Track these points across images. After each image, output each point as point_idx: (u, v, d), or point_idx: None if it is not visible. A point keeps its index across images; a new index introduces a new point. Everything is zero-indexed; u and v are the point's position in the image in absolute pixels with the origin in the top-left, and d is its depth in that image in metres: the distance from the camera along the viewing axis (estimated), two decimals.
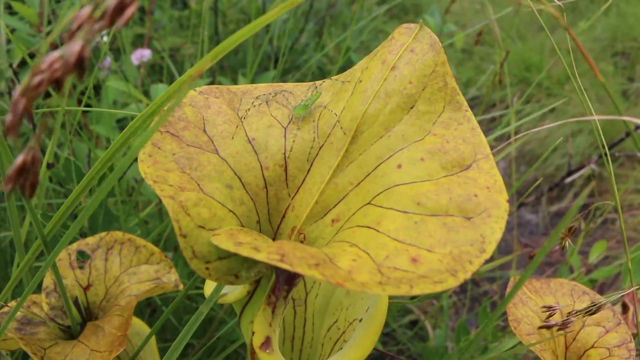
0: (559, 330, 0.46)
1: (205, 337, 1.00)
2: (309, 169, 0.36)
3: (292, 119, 0.37)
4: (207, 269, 0.30)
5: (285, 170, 0.36)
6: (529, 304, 0.55)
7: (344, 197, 0.35)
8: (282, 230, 0.36)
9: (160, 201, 0.89)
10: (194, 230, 0.29)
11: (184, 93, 0.27)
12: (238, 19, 1.91)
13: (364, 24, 1.67)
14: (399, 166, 0.33)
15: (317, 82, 0.39)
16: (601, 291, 1.51)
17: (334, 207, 0.35)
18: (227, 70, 1.77)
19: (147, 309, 0.94)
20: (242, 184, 0.34)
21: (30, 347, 0.48)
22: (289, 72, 1.67)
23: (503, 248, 2.07)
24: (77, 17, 0.22)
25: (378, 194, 0.32)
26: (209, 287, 0.38)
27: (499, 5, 3.08)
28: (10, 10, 1.24)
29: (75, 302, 0.58)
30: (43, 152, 0.85)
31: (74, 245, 0.60)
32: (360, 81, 0.36)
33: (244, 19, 1.88)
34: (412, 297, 1.64)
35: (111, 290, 0.59)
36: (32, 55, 1.23)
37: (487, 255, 0.27)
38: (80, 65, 0.20)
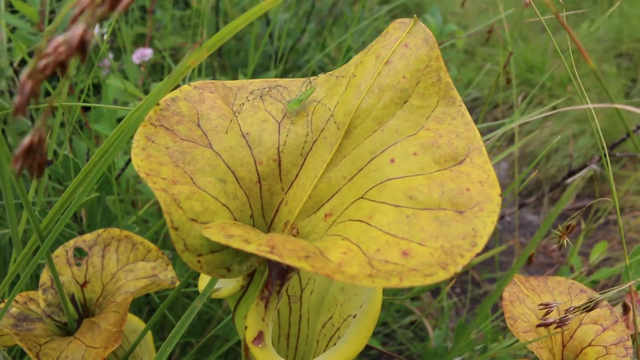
0: (556, 328, 0.46)
1: (203, 336, 1.00)
2: (303, 164, 0.36)
3: (286, 113, 0.37)
4: (199, 261, 0.30)
5: (279, 164, 0.36)
6: (526, 302, 0.55)
7: (337, 192, 0.35)
8: (276, 224, 0.36)
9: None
10: (186, 224, 0.29)
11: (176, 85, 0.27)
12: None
13: (365, 24, 1.67)
14: (392, 160, 0.33)
15: (312, 77, 0.39)
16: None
17: (327, 201, 0.35)
18: (229, 70, 1.77)
19: (145, 307, 0.95)
20: (236, 178, 0.34)
21: (26, 342, 0.49)
22: (290, 72, 1.68)
23: (504, 249, 2.06)
24: (78, 3, 0.22)
25: (371, 188, 0.32)
26: (203, 282, 0.38)
27: (504, 6, 3.08)
28: (11, 9, 1.24)
29: (72, 298, 0.58)
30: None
31: (71, 242, 0.60)
32: (354, 76, 0.36)
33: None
34: (412, 298, 1.64)
35: (108, 287, 0.59)
36: (32, 54, 1.23)
37: (478, 249, 0.27)
38: (83, 48, 0.21)
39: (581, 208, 1.89)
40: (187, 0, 2.05)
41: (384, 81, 0.35)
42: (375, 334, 1.45)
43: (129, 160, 0.78)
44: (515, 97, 1.23)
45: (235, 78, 1.62)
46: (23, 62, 1.28)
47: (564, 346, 0.57)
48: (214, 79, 1.38)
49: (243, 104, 0.37)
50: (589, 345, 0.56)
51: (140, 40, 1.80)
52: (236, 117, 0.36)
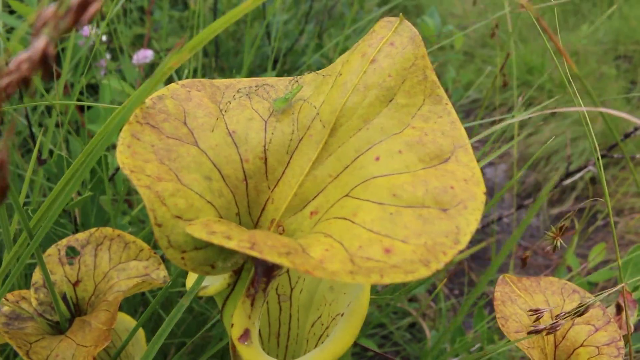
0: (547, 334, 0.46)
1: (199, 336, 1.00)
2: (289, 162, 0.36)
3: (272, 112, 0.37)
4: (182, 258, 0.30)
5: (265, 162, 0.36)
6: (518, 302, 0.55)
7: (322, 190, 0.35)
8: (262, 222, 0.36)
9: None
10: (170, 220, 0.29)
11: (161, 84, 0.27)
12: (238, 20, 1.91)
13: (363, 25, 1.68)
14: (377, 158, 0.33)
15: (299, 76, 0.39)
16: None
17: (312, 199, 0.35)
18: (227, 72, 1.77)
19: (140, 307, 0.95)
20: (222, 176, 0.34)
21: (16, 340, 0.49)
22: (288, 73, 1.68)
23: (503, 252, 2.06)
24: (40, 16, 0.22)
25: (356, 186, 0.32)
26: (191, 280, 0.38)
27: (501, 8, 3.07)
28: (9, 9, 1.24)
29: (64, 297, 0.58)
30: (39, 150, 0.85)
31: (64, 241, 0.60)
32: (340, 74, 0.36)
33: (243, 20, 1.89)
34: (410, 300, 1.64)
35: (100, 286, 0.59)
36: None
37: (461, 247, 0.27)
38: (46, 62, 0.20)
39: (582, 210, 1.90)
40: (186, 1, 2.05)
41: (369, 79, 0.35)
42: (371, 335, 1.45)
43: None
44: (515, 98, 1.23)
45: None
46: None
47: (556, 346, 0.57)
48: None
49: (230, 102, 0.37)
50: (581, 345, 0.56)
51: (138, 41, 1.81)
52: (223, 115, 0.36)
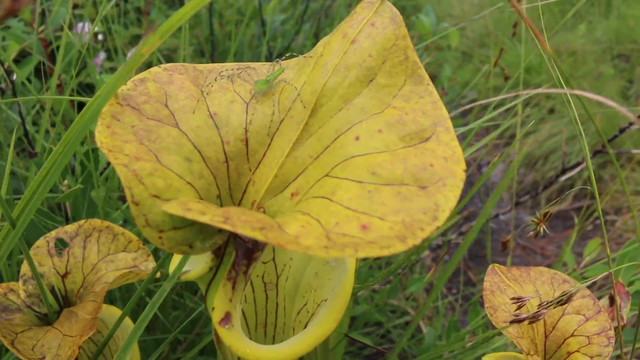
0: (529, 323, 0.46)
1: (193, 333, 1.00)
2: (270, 143, 0.36)
3: (254, 94, 0.37)
4: (160, 237, 0.29)
5: (246, 144, 0.36)
6: (507, 292, 0.55)
7: (303, 171, 0.34)
8: (244, 205, 0.36)
9: None
10: (147, 199, 0.29)
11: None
12: (235, 20, 1.91)
13: None
14: (357, 138, 0.32)
15: (283, 60, 0.39)
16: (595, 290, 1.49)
17: (293, 180, 0.35)
18: None
19: (136, 307, 0.94)
20: (202, 157, 0.34)
21: (1, 330, 0.48)
22: None
23: (501, 251, 2.06)
24: None
25: (335, 166, 0.32)
26: (174, 265, 0.38)
27: (498, 9, 3.08)
28: None
29: (52, 289, 0.58)
30: (32, 144, 0.85)
31: (53, 233, 0.60)
32: (322, 55, 0.36)
33: (241, 19, 1.89)
34: (407, 298, 1.63)
35: (89, 277, 0.59)
36: (25, 53, 1.23)
37: (439, 223, 0.27)
38: None
39: (581, 208, 1.88)
40: (183, 1, 2.05)
41: (350, 60, 0.35)
42: (368, 334, 1.45)
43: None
44: (508, 91, 1.23)
45: None
46: (15, 62, 1.28)
47: (546, 337, 0.56)
48: None
49: (212, 85, 0.36)
50: (572, 335, 0.55)
51: (135, 41, 1.81)
52: (205, 97, 0.36)
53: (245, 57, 1.66)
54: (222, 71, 0.38)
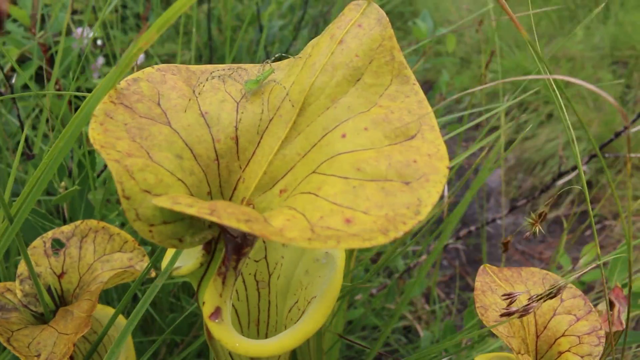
0: (520, 317, 0.46)
1: (189, 335, 1.00)
2: (259, 142, 0.37)
3: (244, 94, 0.38)
4: (150, 231, 0.30)
5: (237, 142, 0.37)
6: (498, 292, 0.55)
7: (291, 168, 0.35)
8: (234, 201, 0.37)
9: None
10: (138, 194, 0.30)
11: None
12: (234, 26, 1.93)
13: None
14: (343, 136, 0.33)
15: (275, 62, 0.40)
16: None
17: (282, 178, 0.36)
18: None
19: (131, 307, 0.95)
20: (193, 155, 0.35)
21: None
22: None
23: (500, 256, 2.06)
24: None
25: (322, 163, 0.33)
26: (166, 262, 0.39)
27: (499, 14, 3.10)
28: None
29: (49, 289, 0.59)
30: (29, 146, 0.86)
31: (49, 233, 0.60)
32: (310, 56, 0.37)
33: (239, 25, 1.90)
34: (407, 302, 1.63)
35: (85, 277, 0.59)
36: (25, 57, 1.24)
37: (421, 217, 0.28)
38: None
39: (580, 213, 1.88)
40: None
41: (337, 60, 0.36)
42: (364, 338, 1.45)
43: None
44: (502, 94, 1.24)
45: None
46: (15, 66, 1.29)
47: (537, 337, 0.57)
48: None
49: (204, 85, 0.37)
50: (563, 335, 0.56)
51: None
52: (196, 97, 0.37)
53: (243, 62, 1.67)
54: (213, 72, 0.38)
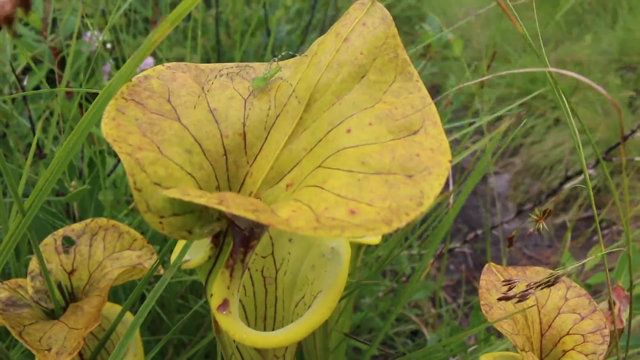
0: (518, 302, 0.47)
1: (196, 335, 1.01)
2: (267, 137, 0.38)
3: (252, 91, 0.39)
4: (160, 222, 0.31)
5: (244, 138, 0.38)
6: (503, 290, 0.56)
7: (298, 163, 0.36)
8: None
9: None
10: (149, 186, 0.31)
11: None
12: (242, 30, 1.94)
13: None
14: (349, 131, 0.34)
15: (282, 61, 0.41)
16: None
17: (288, 172, 0.36)
18: None
19: (140, 304, 0.96)
20: (202, 150, 0.36)
21: (9, 321, 0.50)
22: None
23: (507, 260, 2.06)
24: None
25: (328, 157, 0.34)
26: (175, 255, 0.40)
27: (505, 20, 3.10)
28: None
29: (59, 286, 0.60)
30: (41, 149, 0.88)
31: (60, 231, 0.61)
32: (316, 54, 0.38)
33: (247, 29, 1.92)
34: (412, 306, 1.62)
35: (94, 274, 0.60)
36: (36, 61, 1.26)
37: (424, 209, 0.28)
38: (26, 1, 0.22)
39: (587, 218, 1.88)
40: (191, 13, 2.09)
41: (342, 57, 0.36)
42: (370, 341, 1.45)
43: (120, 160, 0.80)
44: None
45: None
46: (26, 70, 1.31)
47: (542, 335, 0.57)
48: None
49: (212, 83, 0.38)
50: (567, 334, 0.56)
51: None
52: (205, 94, 0.38)
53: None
54: (222, 70, 0.40)
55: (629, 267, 0.67)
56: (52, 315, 0.59)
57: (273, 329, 0.50)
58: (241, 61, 1.74)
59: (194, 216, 0.33)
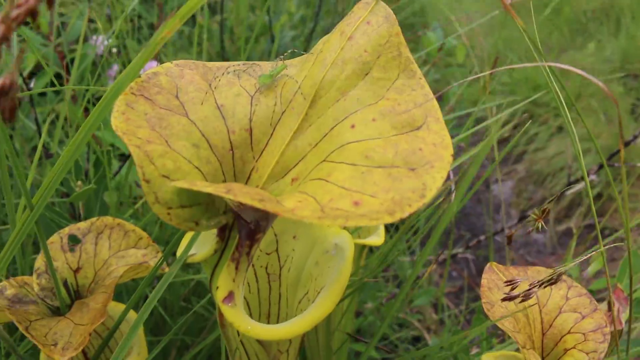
0: (521, 302, 0.47)
1: (200, 336, 1.01)
2: (272, 133, 0.39)
3: (258, 88, 0.40)
4: (168, 214, 0.32)
5: (251, 134, 0.38)
6: (505, 290, 0.56)
7: (303, 158, 0.37)
8: None
9: None
10: (157, 178, 0.32)
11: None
12: (246, 36, 1.96)
13: None
14: (353, 126, 0.35)
15: (288, 60, 0.42)
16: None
17: (293, 167, 0.37)
18: None
19: (143, 303, 0.96)
20: (210, 145, 0.37)
21: (16, 316, 0.51)
22: None
23: (505, 255, 2.05)
24: None
25: (332, 152, 0.34)
26: (181, 249, 0.40)
27: (509, 27, 3.11)
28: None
29: (65, 283, 0.61)
30: (46, 146, 0.88)
31: (66, 230, 0.62)
32: (321, 52, 0.39)
33: (251, 36, 1.93)
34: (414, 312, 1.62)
35: (100, 272, 0.61)
36: (42, 66, 1.28)
37: (426, 200, 0.29)
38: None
39: (590, 225, 1.87)
40: (195, 16, 2.10)
41: (346, 55, 0.37)
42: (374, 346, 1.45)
43: (125, 160, 0.81)
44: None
45: None
46: (32, 74, 1.32)
47: (543, 334, 0.58)
48: None
49: (219, 80, 0.39)
50: (568, 332, 0.57)
51: None
52: (212, 91, 0.39)
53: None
54: (229, 67, 0.40)
55: (630, 272, 0.67)
56: (57, 312, 0.60)
57: None
58: None
59: (201, 208, 0.33)
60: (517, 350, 0.83)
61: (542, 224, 0.52)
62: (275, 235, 0.47)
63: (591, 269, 1.24)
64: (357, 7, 0.38)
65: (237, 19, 1.91)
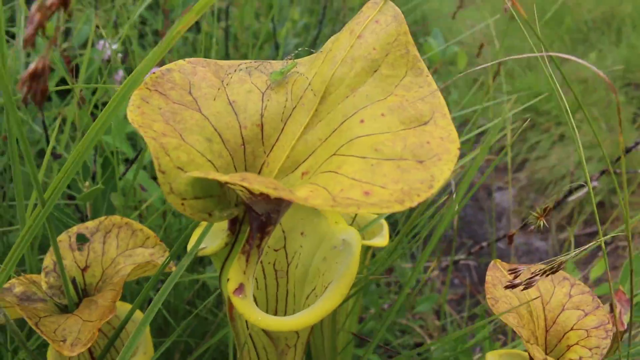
0: (524, 289, 0.48)
1: (203, 339, 1.01)
2: (283, 128, 0.40)
3: (269, 85, 0.41)
4: (182, 204, 0.33)
5: (262, 129, 0.39)
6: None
7: (313, 152, 0.38)
8: None
9: (164, 213, 0.93)
10: (172, 170, 0.32)
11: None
12: (250, 43, 1.97)
13: None
14: (362, 121, 0.36)
15: (298, 59, 0.43)
16: None
17: (304, 161, 0.38)
18: None
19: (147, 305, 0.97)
20: (222, 139, 0.38)
21: (26, 312, 0.51)
22: None
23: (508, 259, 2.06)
24: None
25: (342, 146, 0.35)
26: (192, 243, 0.41)
27: (510, 36, 3.13)
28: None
29: (73, 282, 0.61)
30: (54, 153, 0.89)
31: (74, 229, 0.63)
32: (331, 50, 0.40)
33: (255, 43, 1.95)
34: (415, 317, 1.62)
35: (107, 271, 0.62)
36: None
37: (434, 191, 0.30)
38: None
39: (592, 233, 1.89)
40: (200, 25, 2.12)
41: (356, 53, 0.38)
42: (375, 349, 1.45)
43: (132, 162, 0.82)
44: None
45: None
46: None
47: (547, 331, 0.58)
48: None
49: (231, 77, 0.40)
50: (571, 329, 0.57)
51: None
52: (225, 87, 0.40)
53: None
54: (240, 65, 0.41)
55: (631, 276, 0.68)
56: (65, 310, 0.60)
57: None
58: None
59: (214, 200, 0.34)
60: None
61: (543, 222, 0.53)
62: (284, 232, 0.48)
63: (592, 274, 1.24)
64: (366, 6, 0.39)
65: (242, 26, 1.93)
